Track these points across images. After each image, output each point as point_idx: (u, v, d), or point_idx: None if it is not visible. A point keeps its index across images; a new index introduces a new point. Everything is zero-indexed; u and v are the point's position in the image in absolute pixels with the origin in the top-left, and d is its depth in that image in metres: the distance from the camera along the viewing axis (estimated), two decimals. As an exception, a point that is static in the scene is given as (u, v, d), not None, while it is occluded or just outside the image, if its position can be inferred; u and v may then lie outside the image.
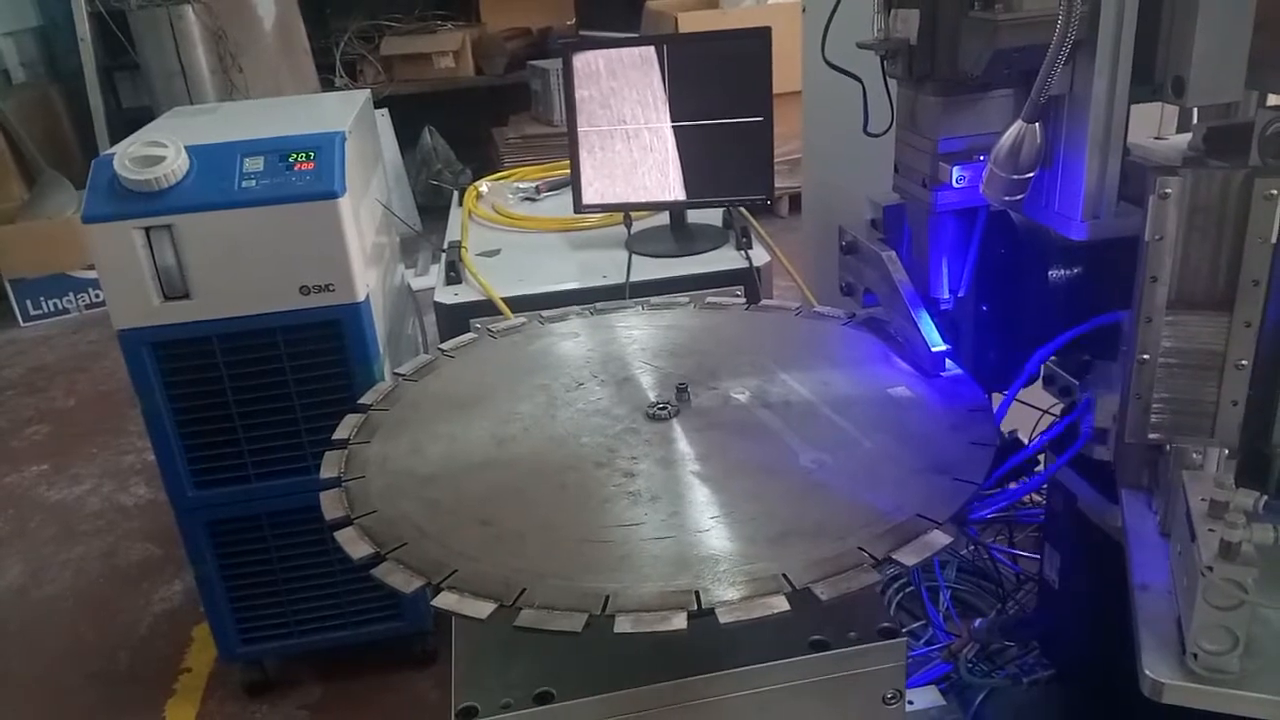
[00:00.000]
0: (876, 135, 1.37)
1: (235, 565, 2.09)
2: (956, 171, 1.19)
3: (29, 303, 4.60)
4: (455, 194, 2.86)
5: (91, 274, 4.38)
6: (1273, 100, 1.28)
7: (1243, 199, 1.01)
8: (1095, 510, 1.36)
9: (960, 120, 1.21)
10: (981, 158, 1.18)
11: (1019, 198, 1.16)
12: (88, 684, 2.37)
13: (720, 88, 2.15)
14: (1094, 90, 1.12)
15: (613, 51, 2.19)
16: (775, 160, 2.18)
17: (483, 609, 0.91)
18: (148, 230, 1.82)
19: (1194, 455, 1.06)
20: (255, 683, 2.27)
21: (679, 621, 0.88)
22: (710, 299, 1.63)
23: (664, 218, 2.32)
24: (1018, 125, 1.11)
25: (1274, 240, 1.00)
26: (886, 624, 1.10)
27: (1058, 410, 1.39)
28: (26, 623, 2.61)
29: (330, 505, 1.08)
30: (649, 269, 2.14)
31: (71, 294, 4.63)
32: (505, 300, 2.04)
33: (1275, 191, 0.99)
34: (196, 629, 2.48)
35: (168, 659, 2.42)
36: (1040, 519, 2.11)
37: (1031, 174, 1.14)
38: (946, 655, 1.80)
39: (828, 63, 1.43)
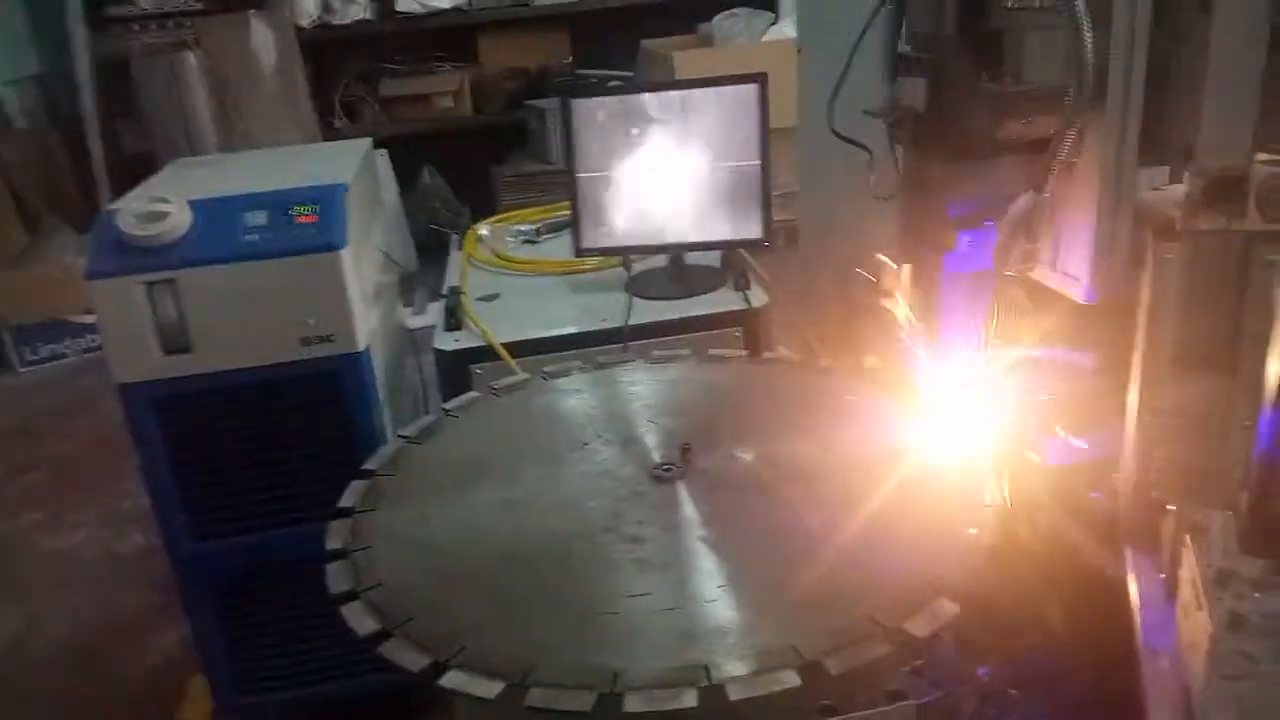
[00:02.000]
0: (884, 198, 1.38)
1: (234, 616, 2.08)
2: (966, 238, 1.20)
3: (26, 348, 4.58)
4: (454, 237, 2.87)
5: (88, 319, 4.37)
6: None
7: (1242, 264, 1.02)
8: (1098, 560, 1.36)
9: (968, 186, 1.21)
10: (989, 223, 1.19)
11: (1030, 266, 1.16)
12: (86, 737, 2.35)
13: (717, 132, 2.18)
14: (1102, 158, 1.13)
15: (610, 97, 2.22)
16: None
17: (491, 688, 0.91)
18: (150, 285, 1.82)
19: (1198, 518, 1.06)
20: (255, 734, 2.24)
21: (689, 699, 0.88)
22: (713, 351, 1.63)
23: (663, 259, 2.33)
24: (1028, 196, 1.12)
25: (1275, 304, 1.01)
26: (894, 688, 1.10)
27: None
28: (22, 674, 2.58)
29: (337, 578, 1.08)
30: (649, 312, 2.14)
31: (69, 339, 4.60)
32: (505, 345, 2.04)
33: (1276, 258, 1.00)
34: (194, 680, 2.45)
35: (166, 710, 2.39)
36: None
37: (1042, 243, 1.15)
38: (952, 701, 1.79)
39: (836, 134, 1.44)
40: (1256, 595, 0.86)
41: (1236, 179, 1.25)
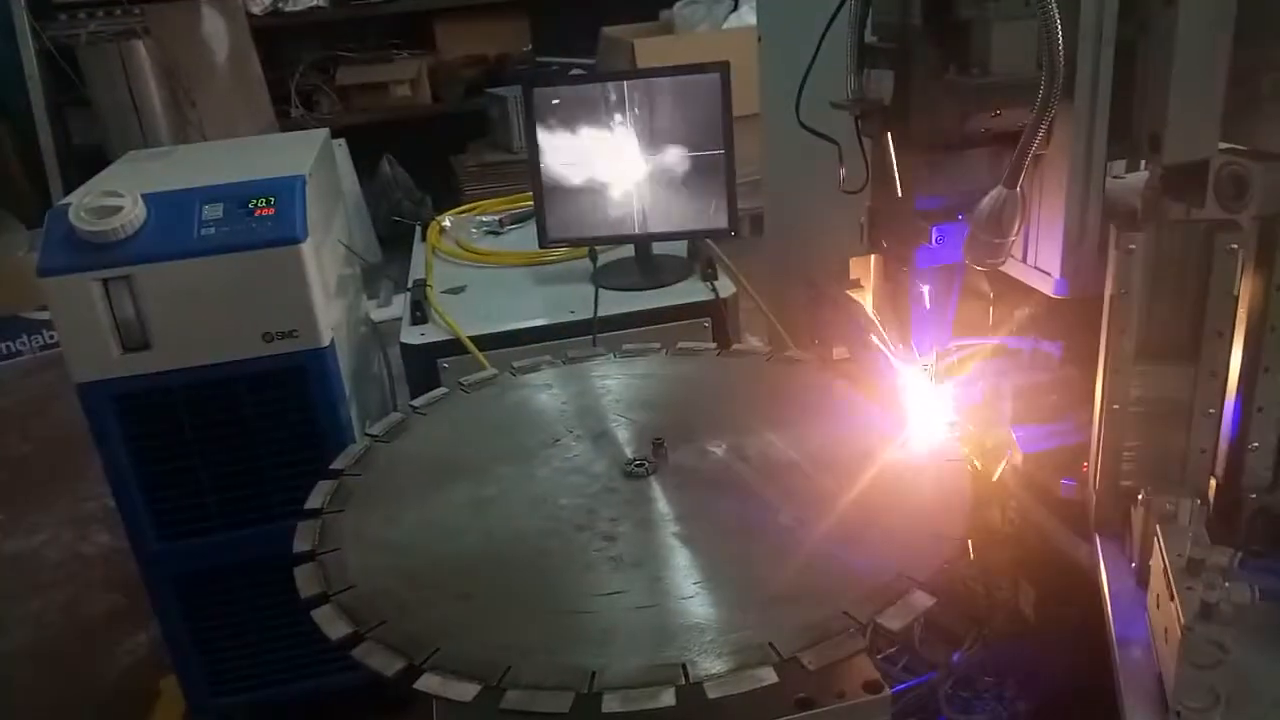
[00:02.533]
0: (853, 192, 1.38)
1: (203, 617, 2.05)
2: (934, 231, 1.19)
3: (-20, 345, 4.49)
4: (418, 229, 2.84)
5: (44, 314, 4.28)
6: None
7: (1205, 253, 1.03)
8: (1068, 547, 1.37)
9: (937, 179, 1.21)
10: (960, 216, 1.18)
11: (1000, 260, 1.17)
12: (52, 743, 2.31)
13: (680, 121, 2.16)
14: (1072, 150, 1.13)
15: (572, 86, 2.20)
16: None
17: (467, 691, 0.89)
18: (105, 282, 1.78)
19: (1167, 506, 1.07)
20: (227, 736, 2.22)
21: (668, 698, 0.87)
22: (682, 344, 1.63)
23: (629, 249, 2.32)
24: (998, 190, 1.12)
25: (1236, 293, 1.03)
26: (871, 678, 1.10)
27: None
28: (-12, 680, 2.54)
29: (306, 582, 1.06)
30: (616, 303, 2.13)
31: (25, 335, 4.50)
32: (472, 339, 2.02)
33: (1236, 245, 1.01)
34: (164, 681, 2.42)
35: (136, 713, 2.36)
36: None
37: (1013, 238, 1.15)
38: (926, 689, 1.80)
39: (804, 126, 1.43)
40: (1227, 584, 0.87)
41: (1195, 168, 1.26)
